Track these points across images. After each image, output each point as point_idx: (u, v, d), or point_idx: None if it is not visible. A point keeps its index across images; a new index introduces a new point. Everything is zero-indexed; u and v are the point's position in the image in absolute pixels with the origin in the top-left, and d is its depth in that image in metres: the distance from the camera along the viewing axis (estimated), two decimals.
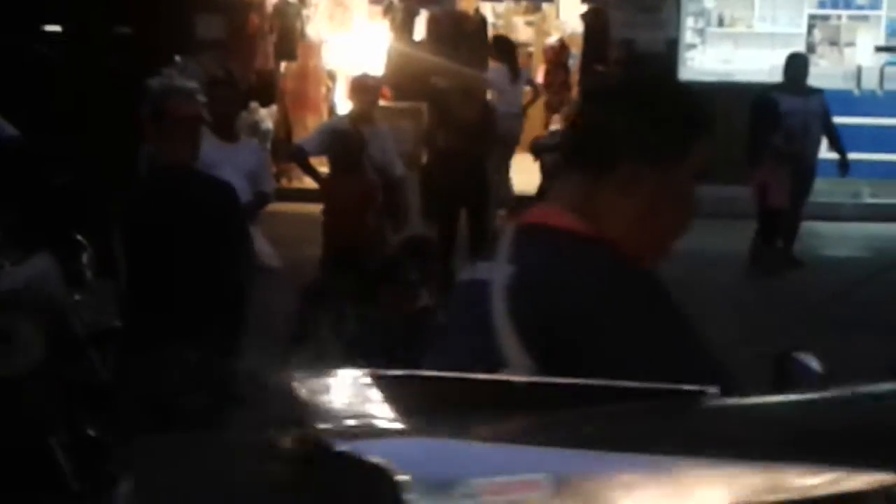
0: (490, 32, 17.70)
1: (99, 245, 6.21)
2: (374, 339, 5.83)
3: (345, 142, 8.93)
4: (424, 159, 11.61)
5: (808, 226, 13.07)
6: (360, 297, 6.15)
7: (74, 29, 13.90)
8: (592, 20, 16.54)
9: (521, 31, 21.87)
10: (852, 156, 15.43)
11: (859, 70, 16.10)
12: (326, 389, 1.78)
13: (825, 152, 15.43)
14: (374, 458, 1.48)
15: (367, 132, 9.29)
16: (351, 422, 1.64)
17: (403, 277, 6.14)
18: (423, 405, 1.69)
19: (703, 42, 16.67)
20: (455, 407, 1.71)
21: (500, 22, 20.44)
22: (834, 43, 16.88)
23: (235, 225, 5.36)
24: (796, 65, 12.42)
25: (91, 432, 6.88)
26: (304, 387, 1.77)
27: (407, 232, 9.36)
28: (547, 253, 2.43)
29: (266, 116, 15.11)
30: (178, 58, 12.34)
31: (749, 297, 11.25)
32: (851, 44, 16.68)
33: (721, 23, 16.81)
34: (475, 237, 10.74)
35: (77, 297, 7.08)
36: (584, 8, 16.89)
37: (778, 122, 11.99)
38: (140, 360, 5.08)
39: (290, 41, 16.04)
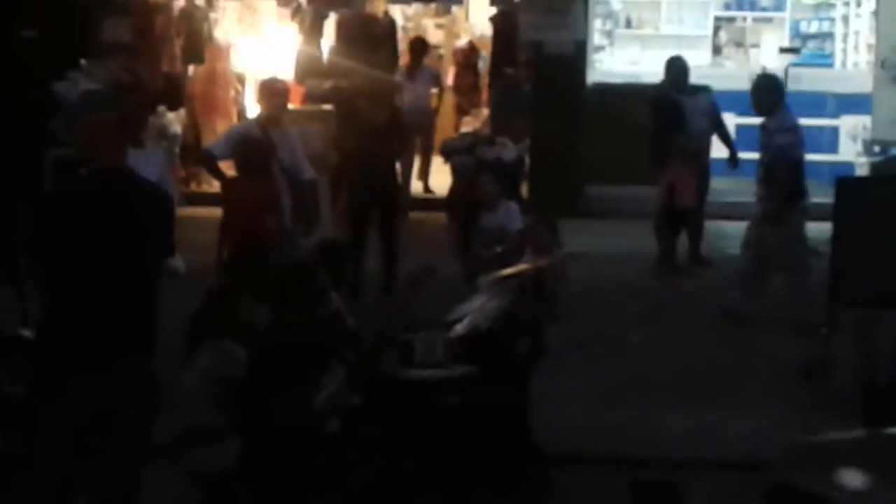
0: (400, 35, 17.71)
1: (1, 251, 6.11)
2: (283, 343, 5.80)
3: (251, 147, 8.86)
4: (335, 163, 11.57)
5: (714, 225, 13.21)
6: (270, 301, 6.12)
7: None
8: (501, 22, 16.60)
9: (432, 34, 21.86)
10: (758, 156, 15.64)
11: (764, 71, 16.30)
12: None
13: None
14: None
15: (276, 135, 9.25)
16: None
17: (314, 281, 6.12)
18: None
19: (612, 44, 16.81)
20: None
21: (410, 24, 20.44)
22: (739, 44, 17.11)
23: (169, 229, 5.31)
24: (676, 67, 12.53)
25: None
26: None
27: (318, 235, 9.32)
28: None
29: (174, 121, 14.97)
30: (83, 61, 12.20)
31: (657, 295, 11.36)
32: (756, 45, 16.92)
33: (629, 24, 16.97)
34: (386, 239, 10.74)
35: None
36: (493, 10, 16.94)
37: (681, 122, 12.12)
38: (66, 374, 4.97)
39: (197, 44, 15.89)
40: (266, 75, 11.35)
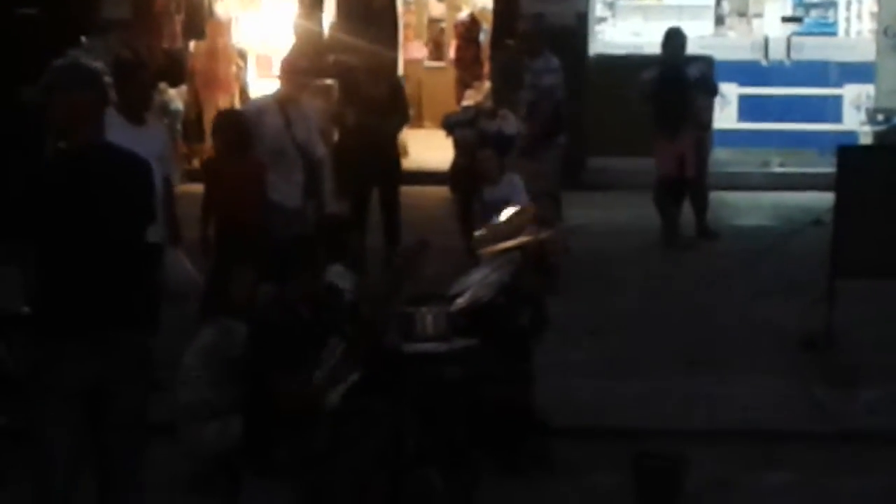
0: (400, 9, 17.65)
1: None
2: (282, 320, 5.79)
3: (229, 125, 8.77)
4: (336, 137, 11.56)
5: (718, 196, 13.20)
6: (269, 278, 6.11)
7: None
8: None
9: (434, 7, 21.85)
10: (761, 126, 15.61)
11: (767, 40, 16.26)
12: None
13: (735, 123, 15.65)
14: None
15: (294, 113, 9.20)
16: None
17: (313, 257, 6.11)
18: None
19: (614, 15, 16.73)
20: None
21: None
22: (742, 14, 17.01)
23: (150, 196, 5.30)
24: (675, 39, 12.51)
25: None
26: None
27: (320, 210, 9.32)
28: None
29: (175, 97, 14.94)
30: (84, 38, 12.17)
31: (660, 267, 11.36)
32: (759, 15, 16.84)
33: None
34: (388, 213, 10.73)
35: None
36: None
37: (686, 94, 12.10)
38: (62, 345, 4.97)
39: (198, 20, 15.84)
40: (280, 52, 11.25)
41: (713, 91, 12.82)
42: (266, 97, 9.72)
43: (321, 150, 9.52)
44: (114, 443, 5.09)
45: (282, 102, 9.26)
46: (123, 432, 5.08)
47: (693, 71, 12.37)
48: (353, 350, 5.82)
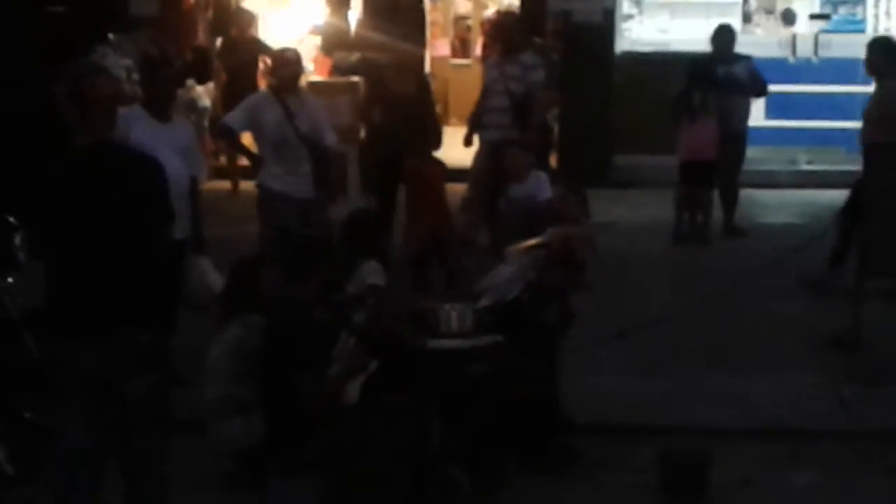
0: (428, 6, 17.63)
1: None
2: (296, 317, 5.79)
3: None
4: (362, 134, 11.57)
5: (745, 193, 13.15)
6: (291, 276, 6.11)
7: (6, 7, 13.70)
8: None
9: (460, 5, 21.82)
10: (789, 123, 15.53)
11: (794, 38, 16.19)
12: None
13: (763, 120, 15.58)
14: None
15: (293, 104, 9.20)
16: None
17: (331, 255, 6.12)
18: None
19: (641, 12, 16.69)
20: None
21: None
22: (770, 11, 16.96)
23: (164, 196, 5.29)
24: (723, 34, 12.53)
25: (27, 415, 6.83)
26: None
27: (348, 206, 9.32)
28: None
29: (203, 94, 14.98)
30: (111, 36, 12.21)
31: (687, 264, 11.33)
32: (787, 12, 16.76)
33: None
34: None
35: (9, 279, 7.02)
36: None
37: (710, 84, 12.09)
38: (74, 341, 5.00)
39: (225, 17, 15.88)
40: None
41: (762, 90, 12.79)
42: (263, 91, 9.75)
43: (331, 138, 9.48)
44: (131, 440, 5.10)
45: (278, 94, 9.27)
46: (139, 429, 5.08)
47: (740, 70, 12.37)
48: (364, 342, 5.80)
